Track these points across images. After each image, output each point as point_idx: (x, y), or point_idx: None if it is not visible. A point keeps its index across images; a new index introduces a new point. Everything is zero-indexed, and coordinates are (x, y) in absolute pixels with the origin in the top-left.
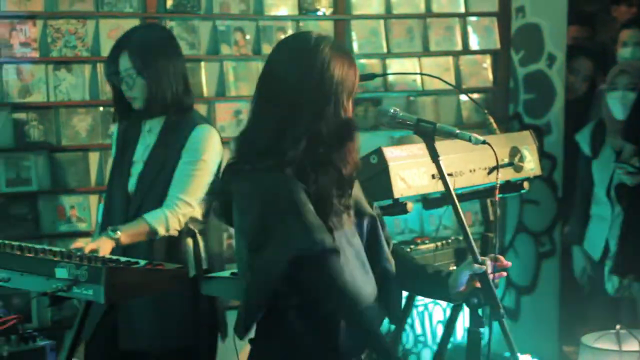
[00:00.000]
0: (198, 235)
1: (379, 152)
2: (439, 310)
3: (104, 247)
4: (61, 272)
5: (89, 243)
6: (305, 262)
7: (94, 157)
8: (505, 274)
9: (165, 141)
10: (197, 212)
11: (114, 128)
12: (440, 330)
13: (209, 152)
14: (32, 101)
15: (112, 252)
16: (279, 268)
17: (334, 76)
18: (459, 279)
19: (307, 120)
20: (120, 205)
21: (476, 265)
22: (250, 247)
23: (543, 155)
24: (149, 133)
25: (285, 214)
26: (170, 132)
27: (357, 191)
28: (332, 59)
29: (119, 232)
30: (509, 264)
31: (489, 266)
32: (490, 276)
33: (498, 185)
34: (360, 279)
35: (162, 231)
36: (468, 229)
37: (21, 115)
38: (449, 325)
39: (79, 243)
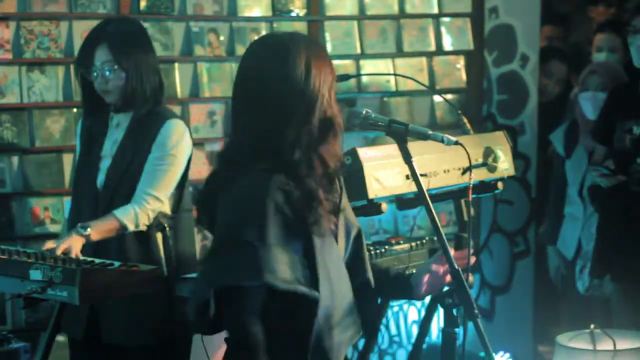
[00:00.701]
0: (168, 229)
1: (353, 153)
2: (413, 310)
3: (75, 245)
4: (35, 274)
5: (60, 243)
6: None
7: (67, 159)
8: (474, 258)
9: (134, 135)
10: (166, 207)
11: (78, 125)
12: (415, 331)
13: (179, 147)
14: (5, 103)
15: (83, 249)
16: (198, 296)
17: (317, 74)
18: (419, 278)
19: (299, 119)
20: (88, 202)
21: (434, 266)
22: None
23: (517, 155)
24: (117, 128)
25: (245, 237)
26: (140, 126)
27: (345, 202)
28: (312, 56)
29: (89, 229)
30: (473, 259)
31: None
32: (465, 276)
33: (471, 186)
34: (340, 287)
35: (131, 227)
36: (441, 230)
37: None
38: (424, 325)
39: (51, 244)
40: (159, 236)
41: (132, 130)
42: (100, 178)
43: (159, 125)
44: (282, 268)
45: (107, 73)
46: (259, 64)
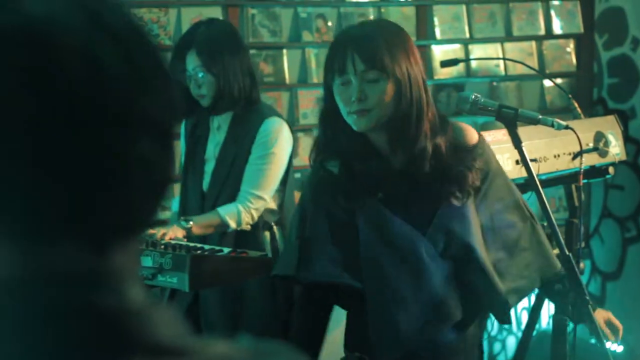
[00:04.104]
0: (275, 227)
1: None
2: None
3: (175, 235)
4: (146, 261)
5: (162, 231)
6: None
7: (175, 147)
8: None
9: (234, 137)
10: (272, 204)
11: (181, 124)
12: (525, 317)
13: (279, 145)
14: None
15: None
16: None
17: None
18: None
19: None
20: (196, 204)
21: None
22: None
23: (628, 140)
24: (218, 130)
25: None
26: (239, 127)
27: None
28: None
29: (191, 222)
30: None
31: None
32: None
33: (582, 171)
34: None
35: (233, 225)
36: (552, 215)
37: None
38: (534, 312)
39: (152, 232)
40: (267, 235)
41: (232, 131)
42: (206, 181)
43: (257, 125)
44: (320, 262)
45: (199, 78)
46: None
